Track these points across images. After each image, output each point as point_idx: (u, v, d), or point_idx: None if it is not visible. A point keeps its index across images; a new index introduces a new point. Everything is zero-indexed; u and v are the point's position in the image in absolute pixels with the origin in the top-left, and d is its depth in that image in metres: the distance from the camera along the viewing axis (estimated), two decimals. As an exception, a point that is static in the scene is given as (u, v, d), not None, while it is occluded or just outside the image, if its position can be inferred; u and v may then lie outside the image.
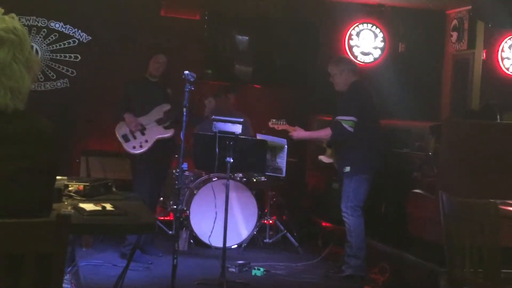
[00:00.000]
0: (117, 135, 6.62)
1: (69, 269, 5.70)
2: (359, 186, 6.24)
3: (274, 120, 6.64)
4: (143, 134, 6.59)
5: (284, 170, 7.06)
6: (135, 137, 6.59)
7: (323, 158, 6.66)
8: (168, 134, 6.60)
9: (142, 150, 6.58)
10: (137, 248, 6.20)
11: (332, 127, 6.28)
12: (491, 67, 9.17)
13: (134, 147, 6.60)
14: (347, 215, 6.26)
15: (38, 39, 8.08)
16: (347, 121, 6.16)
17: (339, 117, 6.21)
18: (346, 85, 6.35)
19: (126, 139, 6.60)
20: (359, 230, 6.26)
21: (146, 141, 6.58)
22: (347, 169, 6.25)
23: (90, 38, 8.27)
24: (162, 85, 6.69)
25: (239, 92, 8.01)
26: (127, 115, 6.57)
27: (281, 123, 6.60)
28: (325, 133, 6.43)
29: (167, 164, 6.95)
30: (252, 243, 7.39)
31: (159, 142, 6.60)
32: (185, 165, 6.99)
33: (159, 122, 6.61)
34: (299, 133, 6.51)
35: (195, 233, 7.10)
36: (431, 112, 9.09)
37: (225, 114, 7.18)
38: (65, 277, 5.05)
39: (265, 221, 7.59)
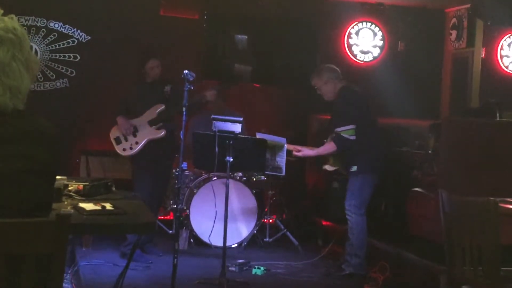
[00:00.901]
0: (111, 138, 6.65)
1: (69, 269, 5.71)
2: (364, 185, 6.25)
3: None
4: (134, 136, 6.60)
5: (283, 169, 7.04)
6: (126, 139, 6.61)
7: (327, 167, 6.66)
8: (159, 135, 6.59)
9: (132, 152, 6.59)
10: (137, 248, 6.20)
11: (335, 141, 6.27)
12: (490, 65, 9.17)
13: (124, 149, 6.61)
14: (350, 213, 6.27)
15: (37, 39, 8.08)
16: (347, 131, 6.16)
17: (338, 129, 6.21)
18: (334, 93, 6.35)
19: (118, 142, 6.63)
20: (361, 228, 6.27)
21: (137, 142, 6.59)
22: (354, 168, 6.26)
23: (89, 37, 8.27)
24: (160, 84, 6.67)
25: (229, 88, 7.77)
26: (119, 118, 6.58)
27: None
28: (330, 149, 6.39)
29: (169, 164, 6.92)
30: (252, 242, 7.39)
31: (157, 143, 6.59)
32: (184, 165, 6.99)
33: (151, 123, 6.60)
34: (304, 153, 6.50)
35: (195, 232, 7.10)
36: (430, 110, 9.09)
37: (220, 113, 7.18)
38: (65, 277, 5.05)
39: (265, 220, 7.60)
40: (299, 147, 6.51)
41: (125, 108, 6.66)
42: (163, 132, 6.58)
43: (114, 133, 6.66)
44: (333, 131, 6.31)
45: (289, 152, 7.04)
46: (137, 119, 6.62)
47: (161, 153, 6.64)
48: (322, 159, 6.77)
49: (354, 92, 6.42)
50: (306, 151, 6.52)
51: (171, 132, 6.67)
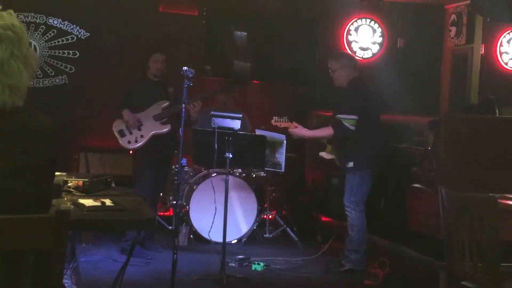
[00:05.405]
0: (114, 131, 6.64)
1: (69, 265, 5.71)
2: (362, 181, 6.25)
3: (276, 117, 6.59)
4: (139, 129, 6.61)
5: (283, 165, 7.06)
6: (131, 132, 6.61)
7: (323, 154, 6.65)
8: (164, 129, 6.60)
9: (137, 145, 6.60)
10: (137, 244, 6.21)
11: (333, 126, 6.26)
12: (489, 61, 9.17)
13: (129, 142, 6.62)
14: (350, 209, 6.28)
15: (37, 36, 8.08)
16: (348, 120, 6.14)
17: (340, 116, 6.19)
18: (347, 81, 6.33)
19: (122, 134, 6.63)
20: (360, 224, 6.28)
21: (142, 136, 6.60)
22: (351, 164, 6.25)
23: (89, 34, 8.26)
24: (163, 83, 6.70)
25: (234, 91, 7.76)
26: (125, 111, 6.58)
27: (283, 121, 6.56)
28: (327, 133, 6.39)
29: (169, 160, 6.94)
30: (251, 238, 7.40)
31: (159, 138, 6.60)
32: (184, 161, 7.00)
33: (156, 117, 6.62)
34: (300, 131, 6.48)
35: (195, 228, 7.11)
36: (430, 106, 9.09)
37: (222, 111, 7.19)
38: (65, 273, 5.05)
39: (265, 216, 7.61)
40: (296, 124, 6.49)
41: (129, 102, 6.66)
42: (168, 127, 6.59)
43: (117, 126, 6.66)
44: (334, 117, 6.30)
45: (287, 149, 7.07)
46: (141, 113, 6.63)
47: (163, 149, 6.66)
48: (321, 146, 6.76)
49: (366, 86, 6.43)
50: (302, 129, 6.48)
51: (173, 128, 6.68)
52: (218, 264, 5.87)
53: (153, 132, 6.60)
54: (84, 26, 8.23)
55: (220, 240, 6.10)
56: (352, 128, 6.14)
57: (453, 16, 9.12)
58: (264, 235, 7.59)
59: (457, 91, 9.15)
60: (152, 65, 6.63)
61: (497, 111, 7.36)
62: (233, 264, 6.34)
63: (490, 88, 8.74)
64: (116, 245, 6.70)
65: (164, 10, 8.50)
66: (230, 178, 6.44)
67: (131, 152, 7.01)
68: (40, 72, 8.03)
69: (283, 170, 7.11)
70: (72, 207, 3.17)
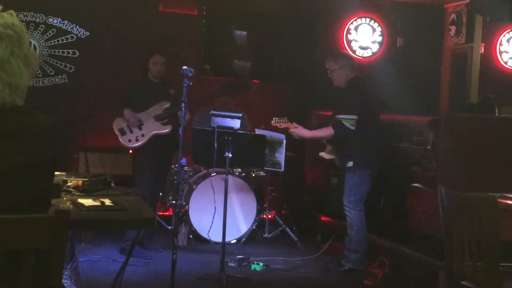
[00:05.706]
0: (114, 129, 6.65)
1: (68, 264, 5.71)
2: (362, 180, 6.25)
3: (276, 118, 6.58)
4: (140, 128, 6.61)
5: (283, 165, 7.06)
6: (131, 131, 6.62)
7: (323, 154, 6.65)
8: (165, 130, 6.61)
9: (137, 144, 6.61)
10: (137, 244, 6.21)
11: (333, 126, 6.25)
12: (489, 61, 9.17)
13: (129, 141, 6.62)
14: (349, 209, 6.28)
15: (36, 35, 8.07)
16: (348, 120, 6.14)
17: (340, 116, 6.18)
18: (345, 81, 6.33)
19: (123, 133, 6.63)
20: (360, 224, 6.28)
21: (143, 135, 6.61)
22: (350, 163, 6.25)
23: (88, 33, 8.25)
24: (164, 85, 6.70)
25: (236, 93, 7.79)
26: (126, 110, 6.59)
27: (283, 121, 6.55)
28: (327, 133, 6.38)
29: (169, 160, 6.94)
30: (251, 238, 7.39)
31: (159, 138, 6.61)
32: (184, 160, 6.99)
33: (157, 118, 6.62)
34: (300, 131, 6.47)
35: (194, 228, 7.10)
36: (429, 106, 9.09)
37: (222, 111, 7.19)
38: (65, 273, 5.05)
39: (264, 216, 7.60)
40: (296, 124, 6.49)
41: (129, 102, 6.66)
42: (169, 128, 6.60)
43: (117, 124, 6.67)
44: (334, 117, 6.29)
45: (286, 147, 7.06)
46: (143, 113, 6.64)
47: (163, 148, 6.66)
48: (321, 146, 6.76)
49: (365, 85, 6.43)
50: (302, 130, 6.47)
51: (173, 128, 6.68)
52: (217, 264, 5.87)
53: (154, 132, 6.60)
54: (84, 25, 8.23)
55: (220, 240, 6.10)
56: (352, 128, 6.14)
57: (453, 15, 9.12)
58: (264, 235, 7.58)
59: (457, 91, 9.15)
60: (152, 67, 6.63)
61: (496, 110, 7.35)
62: (233, 264, 6.34)
63: (490, 87, 8.74)
64: (116, 245, 6.70)
65: (164, 9, 8.50)
66: (230, 177, 6.44)
67: (130, 151, 7.01)
68: (39, 71, 8.02)
69: (282, 169, 7.11)
70: (72, 207, 3.17)
